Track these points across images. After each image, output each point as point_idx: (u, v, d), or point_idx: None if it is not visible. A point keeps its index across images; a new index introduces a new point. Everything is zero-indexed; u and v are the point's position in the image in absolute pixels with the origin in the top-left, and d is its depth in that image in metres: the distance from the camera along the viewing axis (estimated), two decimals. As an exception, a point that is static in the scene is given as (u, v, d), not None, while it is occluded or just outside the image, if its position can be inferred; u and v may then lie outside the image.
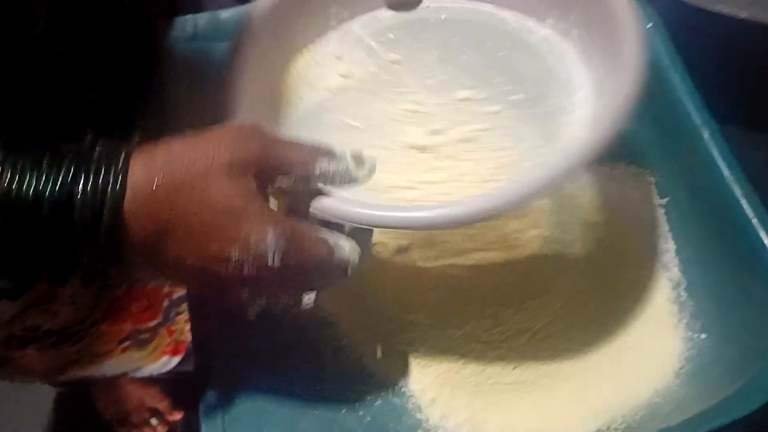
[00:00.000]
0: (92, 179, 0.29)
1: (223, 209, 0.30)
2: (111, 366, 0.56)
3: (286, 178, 0.32)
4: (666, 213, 0.45)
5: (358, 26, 0.46)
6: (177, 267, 0.31)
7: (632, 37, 0.37)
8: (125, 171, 0.29)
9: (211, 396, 0.37)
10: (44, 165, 0.29)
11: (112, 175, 0.29)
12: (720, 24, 0.47)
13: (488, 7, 0.45)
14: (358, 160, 0.33)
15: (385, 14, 0.46)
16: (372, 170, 0.33)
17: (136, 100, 0.41)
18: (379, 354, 0.40)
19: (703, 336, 0.41)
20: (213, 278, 0.31)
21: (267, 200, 0.32)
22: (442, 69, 0.43)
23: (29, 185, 0.28)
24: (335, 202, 0.33)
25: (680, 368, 0.40)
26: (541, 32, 0.43)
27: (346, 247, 0.32)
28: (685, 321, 0.42)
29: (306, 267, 0.31)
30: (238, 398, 0.37)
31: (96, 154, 0.30)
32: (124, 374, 0.58)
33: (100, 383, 0.61)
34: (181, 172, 0.30)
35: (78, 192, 0.29)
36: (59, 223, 0.29)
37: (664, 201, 0.45)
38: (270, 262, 0.30)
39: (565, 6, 0.42)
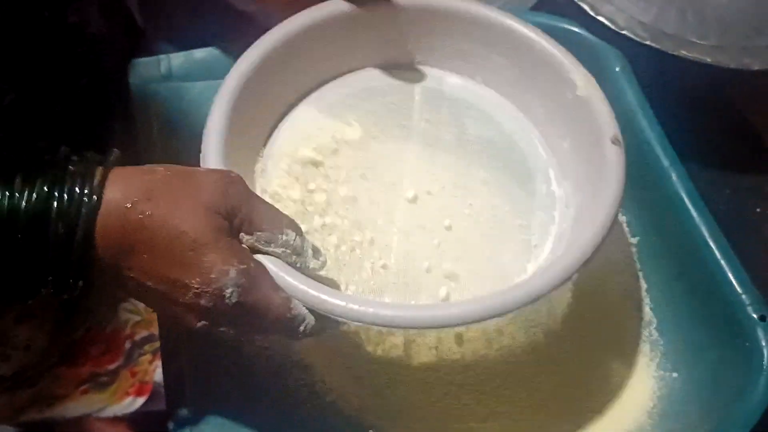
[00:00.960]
0: (68, 193, 0.29)
1: (192, 240, 0.30)
2: (71, 408, 0.55)
3: (250, 236, 0.33)
4: (637, 252, 0.45)
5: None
6: (138, 288, 0.32)
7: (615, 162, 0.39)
8: (102, 186, 0.30)
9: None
10: (19, 179, 0.29)
11: (88, 188, 0.30)
12: (686, 68, 0.49)
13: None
14: (317, 251, 0.35)
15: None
16: (323, 266, 0.35)
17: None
18: (354, 397, 0.40)
19: (675, 375, 0.41)
20: (171, 303, 0.32)
21: (238, 241, 0.33)
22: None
23: (3, 199, 0.29)
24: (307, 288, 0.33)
25: (652, 407, 0.40)
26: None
27: (304, 309, 0.33)
28: (656, 360, 0.42)
29: (260, 312, 0.32)
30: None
31: (73, 167, 0.30)
32: (87, 415, 0.57)
33: (62, 424, 0.59)
34: (158, 197, 0.31)
35: (54, 205, 0.29)
36: (34, 236, 0.29)
37: (635, 240, 0.46)
38: (227, 299, 0.31)
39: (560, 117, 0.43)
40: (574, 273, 0.35)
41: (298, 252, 0.34)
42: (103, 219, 0.30)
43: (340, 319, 0.33)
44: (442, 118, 0.45)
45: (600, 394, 0.41)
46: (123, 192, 0.30)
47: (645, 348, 0.43)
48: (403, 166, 0.42)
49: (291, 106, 0.44)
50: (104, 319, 0.54)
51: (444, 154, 0.43)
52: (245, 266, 0.31)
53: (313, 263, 0.34)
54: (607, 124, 0.39)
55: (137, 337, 0.56)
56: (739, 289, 0.39)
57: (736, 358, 0.38)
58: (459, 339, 0.39)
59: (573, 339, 0.42)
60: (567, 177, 0.42)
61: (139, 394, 0.57)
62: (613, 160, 0.38)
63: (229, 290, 0.31)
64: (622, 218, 0.46)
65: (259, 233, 0.33)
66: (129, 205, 0.30)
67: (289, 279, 0.33)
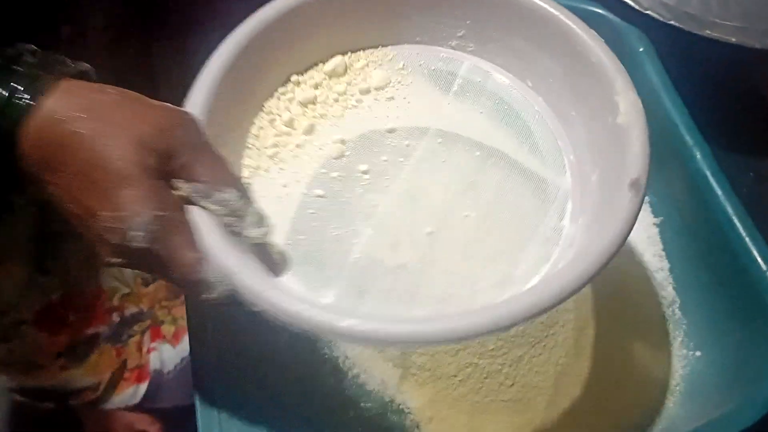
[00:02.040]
0: (9, 91, 0.29)
1: (114, 171, 0.29)
2: (57, 380, 0.54)
3: (186, 185, 0.30)
4: (660, 232, 0.45)
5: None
6: (59, 206, 0.30)
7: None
8: (42, 92, 0.29)
9: (206, 415, 0.37)
10: None
11: (29, 92, 0.29)
12: (710, 48, 0.48)
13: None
14: (260, 220, 0.32)
15: None
16: (262, 237, 0.32)
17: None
18: (378, 371, 0.40)
19: (698, 354, 0.41)
20: (86, 229, 0.30)
21: (168, 186, 0.31)
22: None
23: None
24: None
25: (675, 386, 0.40)
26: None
27: (213, 274, 0.30)
28: (679, 339, 0.42)
29: (166, 265, 0.30)
30: (234, 415, 0.37)
31: (25, 69, 0.30)
32: (78, 392, 0.56)
33: (87, 416, 0.59)
34: (96, 118, 0.29)
35: None
36: None
37: (658, 220, 0.46)
38: (133, 242, 0.29)
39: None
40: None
41: (237, 215, 0.31)
42: (36, 127, 0.29)
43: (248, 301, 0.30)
44: (472, 117, 0.40)
45: (622, 373, 0.41)
46: (62, 105, 0.29)
47: (668, 327, 0.43)
48: (412, 155, 0.38)
49: None
50: (82, 282, 0.53)
51: (462, 154, 0.38)
52: (163, 213, 0.29)
53: (252, 231, 0.31)
54: (633, 164, 0.34)
55: (127, 313, 0.55)
56: (764, 267, 0.38)
57: (760, 338, 0.38)
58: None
59: (595, 318, 0.42)
60: (584, 213, 0.36)
61: (139, 380, 0.56)
62: (623, 206, 0.33)
63: (137, 233, 0.29)
64: (646, 198, 0.46)
65: (196, 184, 0.30)
66: (63, 119, 0.29)
67: (207, 240, 0.30)
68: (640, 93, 0.42)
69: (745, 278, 0.39)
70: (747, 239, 0.39)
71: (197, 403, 0.37)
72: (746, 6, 0.50)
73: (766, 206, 0.51)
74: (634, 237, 0.45)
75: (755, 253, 0.39)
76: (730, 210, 0.40)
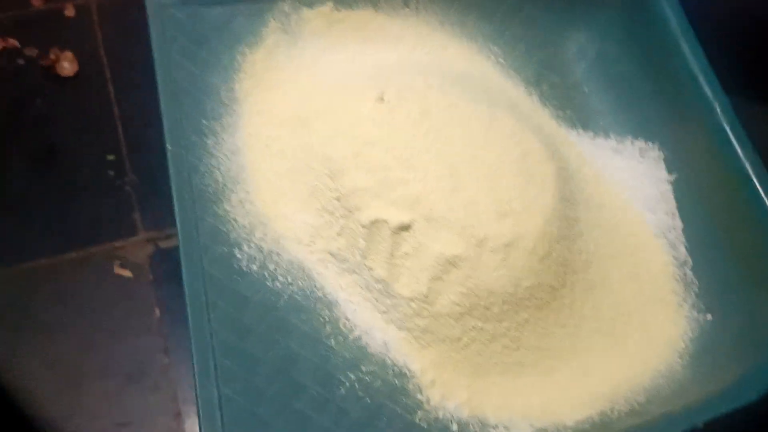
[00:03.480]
0: None
1: None
2: None
3: None
4: (674, 190, 0.43)
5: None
6: None
7: None
8: None
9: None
10: None
11: None
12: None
13: None
14: None
15: None
16: None
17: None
18: (380, 333, 0.39)
19: (708, 317, 0.40)
20: None
21: None
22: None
23: None
24: None
25: (684, 349, 0.39)
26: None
27: None
28: (690, 301, 0.41)
29: None
30: (229, 379, 0.36)
31: None
32: None
33: None
34: None
35: None
36: None
37: (672, 177, 0.44)
38: None
39: None
40: None
41: None
42: None
43: None
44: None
45: (631, 335, 0.40)
46: None
47: (679, 288, 0.41)
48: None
49: None
50: None
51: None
52: None
53: None
54: None
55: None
56: (782, 228, 0.37)
57: (774, 299, 0.37)
58: (488, 280, 0.38)
59: (604, 279, 0.41)
60: None
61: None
62: None
63: None
64: (659, 153, 0.44)
65: None
66: None
67: None
68: (656, 40, 0.40)
69: (762, 240, 0.38)
70: (766, 199, 0.38)
71: (195, 364, 0.36)
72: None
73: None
74: (646, 193, 0.44)
75: (774, 214, 0.37)
76: (749, 168, 0.38)
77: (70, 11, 0.52)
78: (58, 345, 0.42)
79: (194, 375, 0.35)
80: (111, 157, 0.47)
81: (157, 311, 0.43)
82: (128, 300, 0.43)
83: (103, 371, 0.41)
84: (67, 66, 0.50)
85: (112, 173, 0.47)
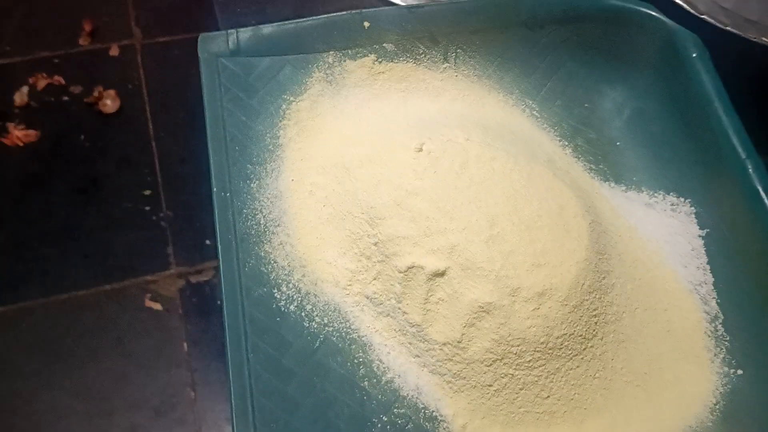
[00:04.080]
0: None
1: None
2: None
3: None
4: (705, 245, 0.44)
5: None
6: None
7: None
8: None
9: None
10: None
11: None
12: (765, 54, 0.47)
13: None
14: None
15: None
16: None
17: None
18: (412, 376, 0.40)
19: (740, 372, 0.40)
20: None
21: None
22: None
23: None
24: None
25: (715, 404, 0.40)
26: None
27: None
28: (721, 356, 0.41)
29: None
30: (271, 415, 0.37)
31: None
32: None
33: None
34: None
35: None
36: None
37: (704, 233, 0.44)
38: None
39: None
40: None
41: None
42: None
43: None
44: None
45: (662, 389, 0.40)
46: None
47: (710, 344, 0.42)
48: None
49: None
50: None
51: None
52: None
53: None
54: None
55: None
56: (814, 289, 0.37)
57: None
58: (520, 328, 0.39)
59: (636, 332, 0.41)
60: None
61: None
62: None
63: None
64: (691, 209, 0.45)
65: None
66: None
67: None
68: (692, 100, 0.41)
69: (794, 298, 0.38)
70: (797, 258, 0.38)
71: (233, 405, 0.37)
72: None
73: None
74: (678, 248, 0.44)
75: (806, 273, 0.38)
76: (780, 227, 0.39)
77: (114, 51, 0.55)
78: (89, 376, 0.43)
79: (232, 416, 0.36)
80: (147, 193, 0.50)
81: (185, 345, 0.44)
82: (158, 333, 0.45)
83: (132, 403, 0.42)
84: (110, 103, 0.53)
85: (147, 208, 0.49)
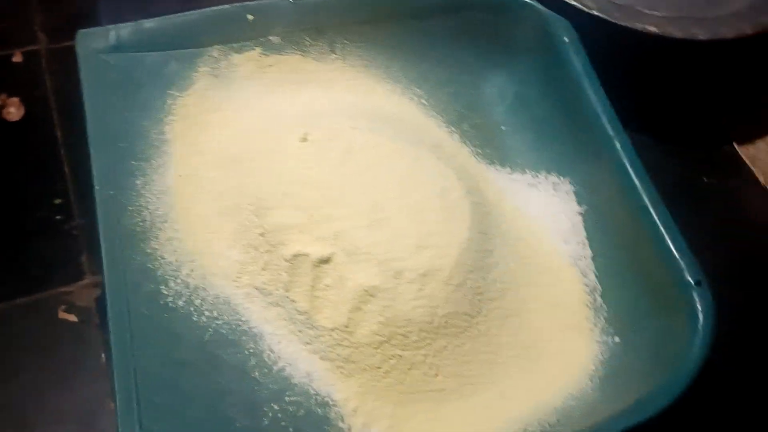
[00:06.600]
0: None
1: None
2: None
3: None
4: (584, 221, 0.46)
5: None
6: None
7: None
8: None
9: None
10: None
11: None
12: (636, 39, 0.49)
13: None
14: None
15: None
16: None
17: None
18: (303, 364, 0.40)
19: (617, 339, 0.42)
20: None
21: None
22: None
23: None
24: None
25: (594, 371, 0.41)
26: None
27: None
28: (600, 326, 0.43)
29: None
30: (158, 411, 0.37)
31: None
32: None
33: None
34: None
35: None
36: None
37: (582, 209, 0.46)
38: None
39: None
40: None
41: None
42: None
43: None
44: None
45: (545, 358, 0.42)
46: None
47: (590, 314, 0.43)
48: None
49: None
50: None
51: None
52: None
53: None
54: None
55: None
56: (676, 255, 0.39)
57: (674, 323, 0.39)
58: (405, 309, 0.39)
59: (520, 306, 0.43)
60: None
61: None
62: None
63: None
64: (570, 187, 0.47)
65: None
66: None
67: None
68: (566, 83, 0.43)
69: (660, 265, 0.40)
70: (661, 227, 0.40)
71: (117, 400, 0.36)
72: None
73: (691, 192, 0.53)
74: (559, 225, 0.46)
75: (668, 240, 0.40)
76: (646, 199, 0.41)
77: (18, 57, 0.54)
78: (5, 393, 0.41)
79: (116, 413, 0.36)
80: (58, 201, 0.48)
81: (103, 356, 0.43)
82: (75, 345, 0.43)
83: (53, 418, 0.41)
84: (14, 111, 0.51)
85: (59, 217, 0.47)
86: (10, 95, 0.51)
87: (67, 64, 0.53)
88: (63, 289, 0.45)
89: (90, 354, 0.43)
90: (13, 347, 0.43)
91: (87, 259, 0.46)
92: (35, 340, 0.43)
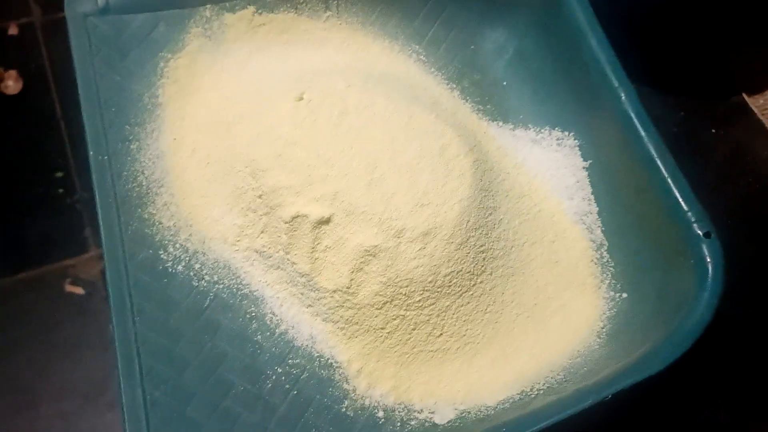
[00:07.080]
0: None
1: None
2: None
3: None
4: (589, 176, 0.45)
5: None
6: None
7: None
8: None
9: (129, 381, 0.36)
10: None
11: None
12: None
13: None
14: None
15: None
16: None
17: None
18: (306, 326, 0.40)
19: (624, 295, 0.41)
20: None
21: None
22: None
23: None
24: None
25: (602, 328, 0.41)
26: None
27: None
28: (607, 282, 0.42)
29: None
30: (159, 376, 0.37)
31: None
32: None
33: None
34: None
35: None
36: None
37: (587, 164, 0.45)
38: None
39: None
40: None
41: None
42: None
43: None
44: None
45: (551, 316, 0.41)
46: None
47: (596, 270, 0.43)
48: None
49: None
50: None
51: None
52: None
53: None
54: None
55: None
56: (684, 207, 0.39)
57: (682, 276, 0.39)
58: (407, 268, 0.39)
59: (524, 264, 0.42)
60: None
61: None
62: None
63: None
64: (575, 142, 0.46)
65: None
66: None
67: None
68: (567, 36, 0.41)
69: (668, 217, 0.39)
70: (669, 179, 0.39)
71: (119, 367, 0.36)
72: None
73: (697, 144, 0.52)
74: (564, 181, 0.45)
75: (676, 192, 0.39)
76: (653, 150, 0.40)
77: (13, 29, 0.52)
78: (11, 367, 0.41)
79: (118, 377, 0.36)
80: (59, 175, 0.47)
81: (111, 327, 0.43)
82: (81, 317, 0.43)
83: (59, 391, 0.41)
84: (12, 84, 0.50)
85: (61, 191, 0.47)
86: (7, 68, 0.50)
87: (63, 35, 0.52)
88: (67, 262, 0.45)
89: (96, 326, 0.43)
90: (18, 322, 0.43)
91: (91, 232, 0.46)
92: (40, 314, 0.43)
